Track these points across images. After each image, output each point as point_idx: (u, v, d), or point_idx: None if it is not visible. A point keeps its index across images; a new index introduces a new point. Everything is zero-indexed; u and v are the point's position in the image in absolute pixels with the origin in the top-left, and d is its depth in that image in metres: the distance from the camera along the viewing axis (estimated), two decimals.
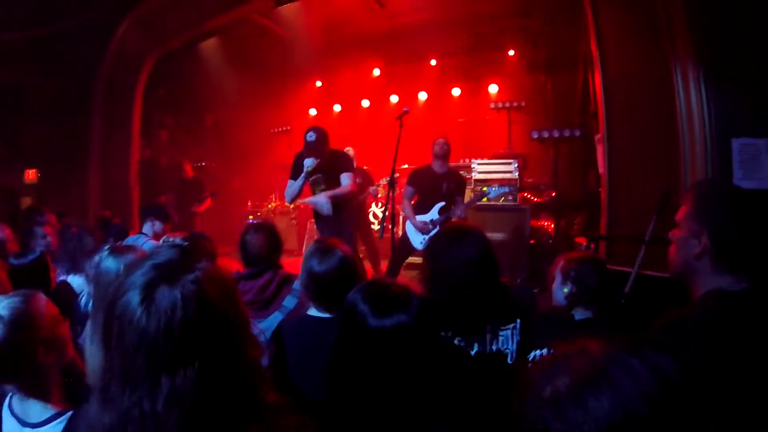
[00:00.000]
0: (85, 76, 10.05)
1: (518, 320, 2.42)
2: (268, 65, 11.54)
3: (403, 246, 6.13)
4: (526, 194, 7.72)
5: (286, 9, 9.44)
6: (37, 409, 1.76)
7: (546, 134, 7.27)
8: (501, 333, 2.40)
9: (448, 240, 2.49)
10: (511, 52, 10.11)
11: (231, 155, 11.94)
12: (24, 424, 1.75)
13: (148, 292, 1.04)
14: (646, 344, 0.93)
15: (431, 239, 2.70)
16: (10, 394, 1.83)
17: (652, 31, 5.01)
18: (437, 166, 6.09)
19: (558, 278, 2.61)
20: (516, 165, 7.25)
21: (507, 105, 9.06)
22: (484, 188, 6.53)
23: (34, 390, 1.78)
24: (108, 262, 2.50)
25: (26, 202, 10.54)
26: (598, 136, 5.95)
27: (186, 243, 1.18)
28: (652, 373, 0.85)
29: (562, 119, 8.33)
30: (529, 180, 8.21)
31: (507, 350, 2.43)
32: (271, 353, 2.44)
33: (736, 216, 1.64)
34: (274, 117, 12.22)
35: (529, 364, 1.11)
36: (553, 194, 7.50)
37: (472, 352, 2.39)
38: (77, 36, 9.42)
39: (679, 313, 1.65)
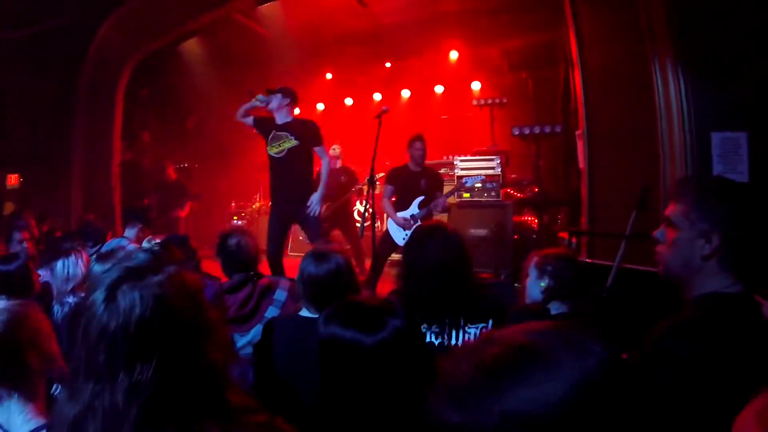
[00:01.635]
0: (66, 78, 9.94)
1: (490, 320, 2.43)
2: (249, 65, 11.46)
3: (386, 244, 6.16)
4: (508, 190, 7.75)
5: (268, 9, 9.40)
6: (21, 419, 1.73)
7: (527, 130, 7.28)
8: (469, 329, 2.42)
9: (420, 237, 2.57)
10: (493, 50, 10.11)
11: (214, 156, 11.87)
12: None
13: (111, 290, 1.09)
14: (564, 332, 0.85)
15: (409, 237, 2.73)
16: None
17: (631, 27, 5.05)
18: (414, 165, 6.20)
19: (533, 274, 2.62)
20: (498, 161, 7.27)
21: (489, 102, 9.08)
22: (463, 178, 6.61)
23: (23, 398, 1.75)
24: (96, 267, 2.59)
25: (9, 207, 10.43)
26: (578, 132, 5.99)
27: (157, 247, 1.22)
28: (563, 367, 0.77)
29: (544, 116, 8.38)
30: (512, 176, 8.28)
31: None
32: (261, 353, 2.45)
33: (751, 216, 1.58)
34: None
35: None
36: (536, 190, 7.54)
37: (436, 344, 2.43)
38: (58, 38, 9.32)
39: (683, 316, 1.60)
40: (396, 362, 1.49)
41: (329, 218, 8.24)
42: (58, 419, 1.12)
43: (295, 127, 5.75)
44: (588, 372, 0.77)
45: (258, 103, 5.87)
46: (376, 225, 5.31)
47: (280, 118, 5.84)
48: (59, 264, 3.23)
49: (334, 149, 8.36)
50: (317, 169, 5.92)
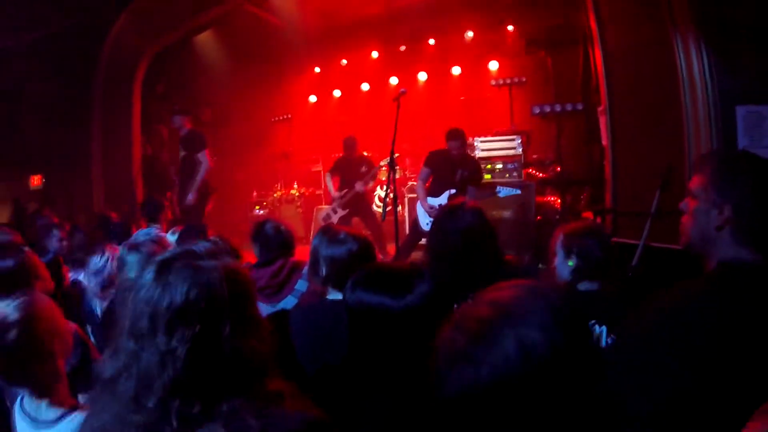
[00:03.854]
0: (83, 77, 10.05)
1: None
2: (264, 55, 11.48)
3: (414, 229, 6.18)
4: (530, 170, 7.68)
5: None
6: (50, 408, 1.80)
7: (548, 109, 7.18)
8: None
9: (444, 214, 2.63)
10: (510, 28, 9.95)
11: (232, 147, 11.91)
12: (37, 424, 1.78)
13: (165, 266, 1.21)
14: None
15: (436, 217, 2.76)
16: (21, 394, 1.86)
17: (652, 3, 4.94)
18: (454, 150, 6.10)
19: (560, 253, 2.57)
20: (519, 141, 7.20)
21: (508, 81, 8.97)
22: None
23: (45, 388, 1.81)
24: (130, 257, 2.77)
25: (32, 207, 10.60)
26: (600, 108, 5.90)
27: (217, 241, 1.31)
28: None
29: (564, 94, 8.22)
30: (534, 156, 8.15)
31: None
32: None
33: (761, 189, 1.59)
34: (274, 106, 12.18)
35: None
36: (558, 169, 7.44)
37: None
38: (73, 37, 9.39)
39: (695, 282, 1.62)
40: (424, 327, 1.45)
41: (348, 206, 8.26)
42: (97, 377, 1.20)
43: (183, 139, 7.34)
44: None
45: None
46: (398, 209, 5.29)
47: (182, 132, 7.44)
48: (94, 260, 3.31)
49: (352, 140, 8.33)
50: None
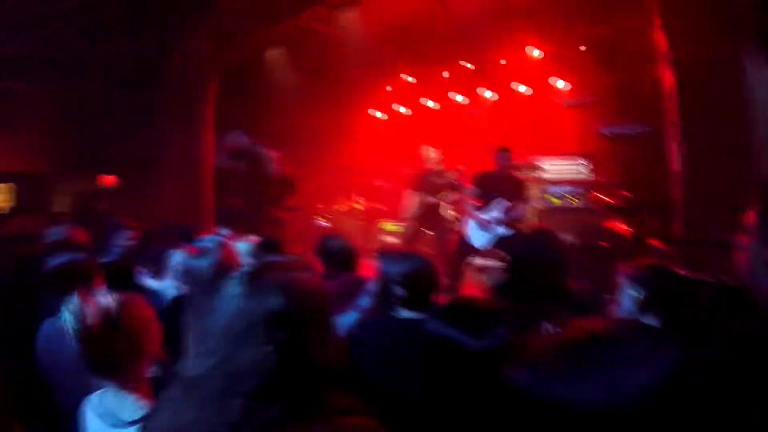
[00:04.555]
0: (155, 88, 10.55)
1: None
2: (331, 70, 11.67)
3: (463, 247, 6.17)
4: (596, 194, 7.50)
5: (348, 15, 9.59)
6: (132, 407, 1.85)
7: (616, 130, 7.04)
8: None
9: (527, 239, 2.67)
10: (583, 48, 9.65)
11: (299, 159, 12.19)
12: (116, 422, 1.83)
13: (254, 277, 1.31)
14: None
15: (506, 239, 2.77)
16: (99, 393, 1.93)
17: (721, 19, 4.79)
18: (501, 170, 6.28)
19: (625, 285, 2.52)
20: (586, 164, 7.06)
21: (575, 101, 8.83)
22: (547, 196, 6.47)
23: (131, 385, 1.89)
24: (194, 261, 2.80)
25: (104, 206, 11.19)
26: (671, 132, 5.74)
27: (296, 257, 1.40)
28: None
29: (633, 115, 8.02)
30: (600, 179, 7.93)
31: None
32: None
33: None
34: (340, 121, 12.39)
35: None
36: (625, 194, 7.23)
37: None
38: (148, 49, 9.90)
39: (745, 326, 1.54)
40: (498, 368, 1.48)
41: (421, 217, 8.26)
42: (178, 376, 1.30)
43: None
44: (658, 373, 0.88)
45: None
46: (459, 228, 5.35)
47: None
48: (166, 257, 3.51)
49: (430, 152, 8.37)
50: None
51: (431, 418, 1.62)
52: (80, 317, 1.90)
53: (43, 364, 2.62)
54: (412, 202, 8.02)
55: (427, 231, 8.33)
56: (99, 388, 1.95)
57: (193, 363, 1.28)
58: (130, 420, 1.83)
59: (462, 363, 1.53)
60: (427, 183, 8.37)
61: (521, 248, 2.61)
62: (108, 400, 1.89)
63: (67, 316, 1.90)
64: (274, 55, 11.52)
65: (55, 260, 2.71)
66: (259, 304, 1.24)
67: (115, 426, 1.84)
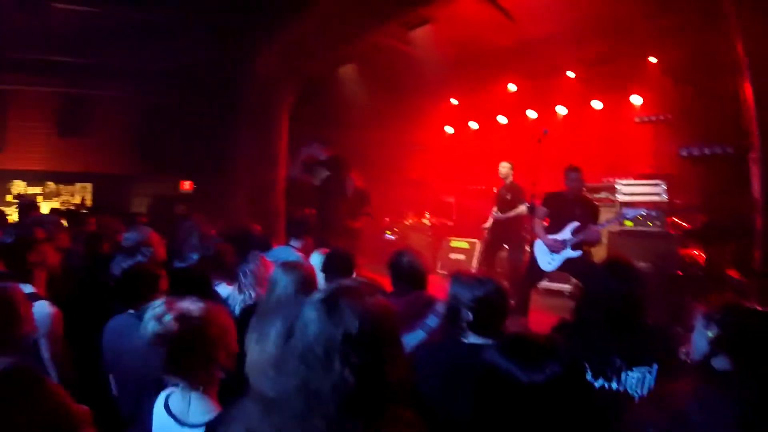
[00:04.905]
0: (232, 100, 11.00)
1: (655, 365, 2.38)
2: (402, 86, 11.79)
3: (533, 270, 6.04)
4: (674, 219, 7.24)
5: (418, 32, 9.63)
6: (200, 410, 1.93)
7: (696, 151, 6.79)
8: (631, 374, 2.39)
9: (610, 272, 2.57)
10: (653, 59, 9.29)
11: (369, 172, 12.36)
12: (183, 423, 1.91)
13: (333, 299, 1.36)
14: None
15: (580, 268, 2.75)
16: (167, 393, 2.02)
17: None
18: (569, 192, 6.04)
19: (700, 323, 2.45)
20: (664, 186, 6.82)
21: (652, 118, 8.58)
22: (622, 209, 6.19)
23: (203, 389, 1.97)
24: (279, 275, 2.91)
25: (180, 209, 11.72)
26: (752, 155, 5.47)
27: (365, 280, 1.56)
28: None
29: (713, 135, 7.68)
30: (678, 202, 7.61)
31: (635, 394, 2.39)
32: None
33: None
34: (411, 135, 12.46)
35: None
36: (704, 219, 6.96)
37: (596, 385, 2.42)
38: (223, 64, 10.34)
39: None
40: (549, 405, 1.50)
41: (496, 237, 8.23)
42: (256, 394, 1.37)
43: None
44: None
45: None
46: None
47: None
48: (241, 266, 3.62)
49: (503, 166, 8.34)
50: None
51: None
52: (162, 319, 1.95)
53: (107, 358, 2.78)
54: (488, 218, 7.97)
55: (502, 248, 8.30)
56: (165, 387, 2.05)
57: (273, 383, 1.34)
58: (198, 422, 1.90)
59: (511, 394, 1.53)
60: (499, 199, 8.34)
61: (597, 282, 2.60)
62: (176, 400, 1.98)
63: (148, 316, 1.99)
64: (348, 70, 11.74)
65: (129, 262, 2.85)
66: (338, 329, 1.30)
67: (182, 425, 1.91)
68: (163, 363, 1.94)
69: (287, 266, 3.04)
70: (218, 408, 1.98)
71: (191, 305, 2.00)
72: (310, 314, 1.35)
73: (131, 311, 2.78)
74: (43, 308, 2.86)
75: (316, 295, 1.40)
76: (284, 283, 2.89)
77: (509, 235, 8.24)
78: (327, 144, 7.78)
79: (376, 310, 1.35)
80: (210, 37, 10.06)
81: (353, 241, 8.85)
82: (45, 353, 2.79)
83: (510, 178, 8.37)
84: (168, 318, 1.94)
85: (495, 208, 8.42)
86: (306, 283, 2.85)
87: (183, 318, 1.94)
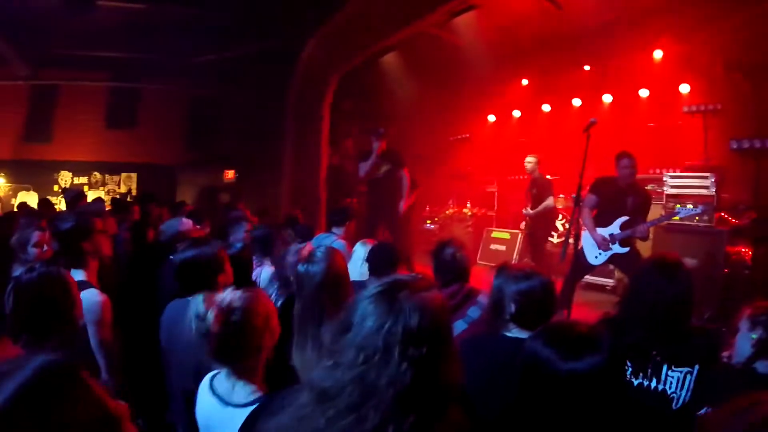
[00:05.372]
0: (277, 91, 11.17)
1: (696, 366, 2.38)
2: (445, 75, 11.72)
3: (579, 263, 5.93)
4: (722, 214, 7.01)
5: (461, 19, 9.57)
6: (244, 392, 2.00)
7: (747, 144, 6.60)
8: (671, 373, 2.39)
9: (659, 271, 2.53)
10: (703, 47, 8.80)
11: (412, 162, 12.34)
12: (227, 403, 1.98)
13: (392, 294, 1.35)
14: None
15: (628, 265, 2.73)
16: (212, 374, 2.11)
17: None
18: (623, 177, 5.82)
19: (744, 326, 2.42)
20: (713, 180, 6.63)
21: (702, 108, 8.34)
22: (676, 206, 5.98)
23: (248, 373, 2.05)
24: (306, 267, 2.82)
25: (224, 198, 11.99)
26: None
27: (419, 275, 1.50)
28: None
29: (765, 127, 7.42)
30: (727, 197, 7.36)
31: (674, 394, 2.39)
32: None
33: None
34: (454, 125, 12.40)
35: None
36: (754, 216, 6.73)
37: (635, 383, 2.43)
38: (269, 56, 10.48)
39: None
40: (586, 395, 1.52)
41: (531, 232, 8.29)
42: (309, 385, 1.37)
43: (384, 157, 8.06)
44: None
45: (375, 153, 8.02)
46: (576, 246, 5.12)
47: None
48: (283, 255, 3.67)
49: (528, 161, 8.29)
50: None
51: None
52: (209, 306, 2.03)
53: (164, 343, 2.86)
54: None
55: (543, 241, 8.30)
56: (214, 370, 2.14)
57: (326, 374, 1.33)
58: (242, 402, 1.97)
59: (550, 383, 1.56)
60: (527, 195, 8.32)
61: (645, 280, 2.56)
62: (221, 380, 2.06)
63: (198, 304, 2.08)
64: (391, 59, 11.74)
65: (189, 252, 2.90)
66: (398, 323, 1.29)
67: (225, 405, 1.99)
68: (209, 354, 2.02)
69: (312, 257, 2.88)
70: (263, 390, 2.05)
71: (232, 298, 2.05)
72: (368, 307, 1.34)
73: (189, 297, 2.80)
74: (93, 296, 2.95)
75: (373, 289, 1.40)
76: (311, 274, 2.78)
77: (541, 229, 8.21)
78: (385, 136, 7.86)
79: (434, 305, 1.35)
80: (255, 30, 10.21)
81: (408, 235, 8.89)
82: (93, 340, 2.87)
83: (536, 173, 8.33)
84: (210, 315, 2.00)
85: (528, 206, 8.40)
86: (334, 273, 2.79)
87: (224, 313, 2.00)
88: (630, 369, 2.45)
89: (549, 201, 8.10)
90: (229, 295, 2.06)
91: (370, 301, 1.36)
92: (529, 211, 8.29)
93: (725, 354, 2.48)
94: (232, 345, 2.00)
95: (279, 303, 3.32)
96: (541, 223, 8.32)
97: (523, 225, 8.90)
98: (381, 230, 8.11)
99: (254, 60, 11.02)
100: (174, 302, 2.93)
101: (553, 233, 9.23)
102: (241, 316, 2.01)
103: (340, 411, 1.27)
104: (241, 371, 2.03)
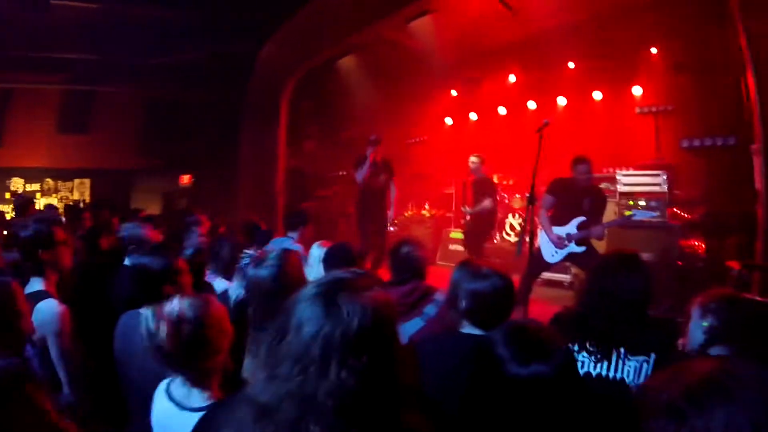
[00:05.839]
0: (235, 93, 11.00)
1: (653, 355, 2.40)
2: (403, 78, 11.78)
3: (536, 260, 6.00)
4: (675, 210, 7.18)
5: (418, 23, 9.59)
6: (200, 397, 1.96)
7: (697, 142, 6.77)
8: (628, 362, 2.41)
9: (616, 264, 2.59)
10: (654, 50, 9.20)
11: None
12: (183, 407, 1.95)
13: (331, 296, 1.24)
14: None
15: (601, 258, 2.76)
16: (168, 380, 2.05)
17: None
18: (580, 181, 5.91)
19: (696, 314, 2.44)
20: (665, 177, 6.77)
21: (654, 109, 8.54)
22: (628, 213, 6.11)
23: (204, 379, 1.99)
24: (259, 270, 2.74)
25: (181, 203, 11.74)
26: (754, 146, 5.45)
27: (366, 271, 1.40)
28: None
29: (715, 126, 7.62)
30: (679, 193, 7.55)
31: (632, 383, 2.41)
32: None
33: None
34: (411, 127, 12.42)
35: None
36: (705, 211, 6.94)
37: (593, 373, 2.45)
38: (226, 57, 10.31)
39: None
40: (533, 400, 1.49)
41: (471, 232, 8.27)
42: (249, 400, 1.27)
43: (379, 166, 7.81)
44: None
45: (368, 161, 7.78)
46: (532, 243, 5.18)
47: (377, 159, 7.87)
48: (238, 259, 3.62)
49: (472, 161, 8.35)
50: None
51: None
52: (160, 319, 1.95)
53: (119, 355, 2.73)
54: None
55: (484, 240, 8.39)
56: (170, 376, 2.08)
57: (264, 387, 1.23)
58: (199, 406, 1.92)
59: (497, 383, 1.53)
60: (470, 194, 8.42)
61: (604, 274, 2.59)
62: (177, 387, 2.01)
63: (148, 318, 1.99)
64: (349, 62, 11.71)
65: (141, 259, 2.79)
66: (336, 328, 1.18)
67: (182, 410, 1.94)
68: (164, 365, 1.97)
69: (265, 260, 2.83)
70: (219, 395, 1.99)
71: (181, 308, 1.98)
72: (305, 311, 1.24)
73: (141, 309, 2.75)
74: (51, 306, 2.86)
75: (310, 290, 1.28)
76: (263, 278, 2.71)
77: (480, 229, 8.27)
78: (378, 143, 7.86)
79: (376, 305, 1.24)
80: (212, 31, 10.03)
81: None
82: (53, 352, 2.78)
83: (480, 173, 8.40)
84: (161, 329, 1.93)
85: (469, 204, 8.49)
86: (288, 277, 2.69)
87: (175, 326, 1.94)
88: (589, 360, 2.47)
89: (487, 203, 8.12)
90: (177, 306, 1.99)
91: (306, 305, 1.25)
92: (468, 209, 8.36)
93: (681, 342, 2.50)
94: (186, 355, 1.94)
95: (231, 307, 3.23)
96: (481, 224, 8.35)
97: (463, 222, 8.94)
98: (371, 237, 7.99)
99: (211, 62, 10.82)
100: (127, 314, 2.80)
101: (495, 234, 9.51)
102: (193, 327, 1.95)
103: (279, 427, 1.18)
104: (196, 377, 1.98)
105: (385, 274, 3.57)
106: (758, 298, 2.52)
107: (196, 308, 1.99)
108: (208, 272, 4.04)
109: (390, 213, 7.95)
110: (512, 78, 11.35)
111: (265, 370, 1.27)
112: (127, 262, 3.57)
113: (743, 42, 5.34)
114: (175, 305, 1.99)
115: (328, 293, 1.24)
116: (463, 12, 9.51)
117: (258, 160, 11.17)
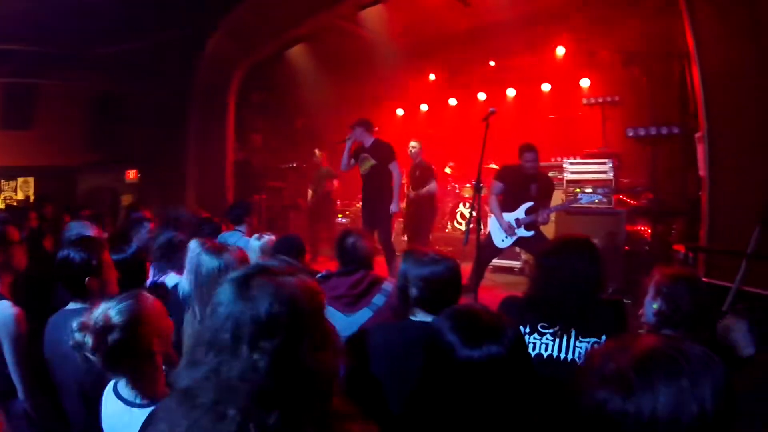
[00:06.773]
0: (181, 85, 10.66)
1: (603, 336, 2.43)
2: (354, 68, 11.70)
3: (487, 246, 6.07)
4: (621, 197, 7.36)
5: (370, 12, 9.56)
6: (135, 398, 1.92)
7: (642, 132, 6.91)
8: (579, 344, 2.43)
9: (566, 248, 2.62)
10: (603, 45, 9.35)
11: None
12: (132, 405, 1.91)
13: (246, 281, 1.25)
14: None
15: (551, 247, 2.78)
16: (115, 380, 1.98)
17: (753, 22, 4.66)
18: (528, 168, 6.05)
19: (650, 293, 2.49)
20: (611, 165, 6.93)
21: (600, 100, 8.70)
22: (576, 190, 6.23)
23: (147, 377, 1.94)
24: (205, 258, 2.78)
25: (126, 200, 11.36)
26: (698, 135, 5.61)
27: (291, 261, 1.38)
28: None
29: (660, 116, 7.78)
30: (625, 181, 7.77)
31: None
32: (356, 354, 2.44)
33: None
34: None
35: None
36: (650, 197, 7.11)
37: (544, 355, 2.47)
38: (172, 48, 9.98)
39: None
40: (482, 390, 1.48)
41: (412, 214, 8.40)
42: (174, 387, 1.26)
43: (374, 149, 7.00)
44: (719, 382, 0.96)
45: (349, 143, 7.05)
46: (481, 230, 5.22)
47: (367, 143, 7.05)
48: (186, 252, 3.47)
49: (412, 146, 8.39)
50: None
51: (421, 422, 1.61)
52: (83, 324, 1.88)
53: (48, 357, 2.63)
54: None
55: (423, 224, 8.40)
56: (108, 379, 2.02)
57: (184, 373, 1.24)
58: (141, 404, 1.91)
59: (449, 368, 1.50)
60: (410, 177, 8.48)
61: (555, 259, 2.60)
62: (123, 387, 1.95)
63: (74, 329, 1.89)
64: (299, 51, 11.55)
65: (72, 255, 2.67)
66: (246, 312, 1.19)
67: (131, 407, 1.91)
68: (97, 360, 1.89)
69: (213, 249, 2.91)
70: (165, 390, 1.94)
71: (106, 315, 1.90)
72: (221, 296, 1.25)
73: (72, 307, 2.63)
74: (5, 308, 2.73)
75: (230, 276, 1.30)
76: (213, 266, 2.77)
77: (424, 212, 8.29)
78: (372, 128, 7.11)
79: (291, 290, 1.23)
80: (158, 20, 9.68)
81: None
82: (8, 357, 2.66)
83: (419, 158, 8.49)
84: (88, 339, 1.86)
85: (408, 188, 8.48)
86: (233, 267, 2.68)
87: (102, 335, 1.86)
88: (540, 341, 2.49)
89: (432, 185, 8.24)
90: (103, 312, 1.90)
91: (223, 289, 1.26)
92: (411, 192, 8.35)
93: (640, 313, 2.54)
94: (117, 361, 1.89)
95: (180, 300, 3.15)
96: (425, 207, 8.38)
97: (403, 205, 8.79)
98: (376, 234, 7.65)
99: (157, 52, 10.45)
100: (54, 314, 2.69)
101: (447, 223, 9.59)
102: (120, 333, 1.88)
103: (199, 412, 1.16)
104: (138, 378, 1.93)
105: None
106: (704, 279, 2.54)
107: (124, 312, 1.92)
108: (154, 267, 3.92)
109: (393, 205, 6.90)
110: (462, 69, 11.44)
111: (186, 356, 1.27)
112: None
113: (688, 33, 5.47)
114: (100, 312, 1.91)
115: (244, 278, 1.25)
116: (416, 2, 9.54)
117: (205, 153, 10.89)
